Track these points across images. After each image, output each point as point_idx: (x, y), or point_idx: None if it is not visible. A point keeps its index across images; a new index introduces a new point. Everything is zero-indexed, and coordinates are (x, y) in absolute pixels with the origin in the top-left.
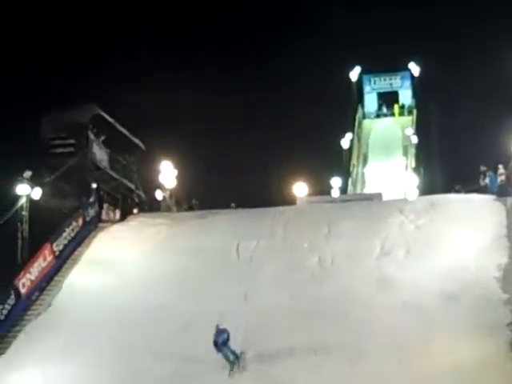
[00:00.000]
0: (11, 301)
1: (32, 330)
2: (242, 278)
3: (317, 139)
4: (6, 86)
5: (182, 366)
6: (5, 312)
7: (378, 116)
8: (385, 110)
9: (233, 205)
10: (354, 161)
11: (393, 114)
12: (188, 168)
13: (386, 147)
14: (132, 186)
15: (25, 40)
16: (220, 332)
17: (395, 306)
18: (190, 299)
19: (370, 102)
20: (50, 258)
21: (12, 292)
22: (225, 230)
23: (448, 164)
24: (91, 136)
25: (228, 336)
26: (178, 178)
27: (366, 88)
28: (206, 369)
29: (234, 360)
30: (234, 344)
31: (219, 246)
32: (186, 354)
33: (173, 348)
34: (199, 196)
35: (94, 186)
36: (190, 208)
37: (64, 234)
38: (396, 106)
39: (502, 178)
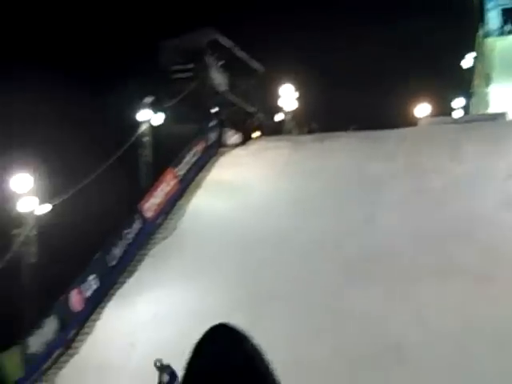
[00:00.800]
0: (137, 225)
1: (158, 253)
2: (364, 200)
3: (438, 59)
4: (124, 14)
5: (308, 285)
6: (131, 236)
7: (501, 34)
8: (509, 27)
9: (353, 127)
10: (476, 81)
11: None
12: (309, 90)
13: (510, 66)
14: (252, 110)
15: None
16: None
17: None
18: (313, 221)
19: (493, 19)
20: (173, 182)
21: (137, 216)
22: (346, 153)
23: None
24: (209, 60)
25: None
26: (299, 100)
27: (489, 4)
28: (335, 285)
29: None
30: None
31: (341, 169)
32: (311, 274)
33: (297, 269)
34: (320, 118)
35: (215, 110)
36: (311, 131)
37: (186, 159)
38: None
39: None
